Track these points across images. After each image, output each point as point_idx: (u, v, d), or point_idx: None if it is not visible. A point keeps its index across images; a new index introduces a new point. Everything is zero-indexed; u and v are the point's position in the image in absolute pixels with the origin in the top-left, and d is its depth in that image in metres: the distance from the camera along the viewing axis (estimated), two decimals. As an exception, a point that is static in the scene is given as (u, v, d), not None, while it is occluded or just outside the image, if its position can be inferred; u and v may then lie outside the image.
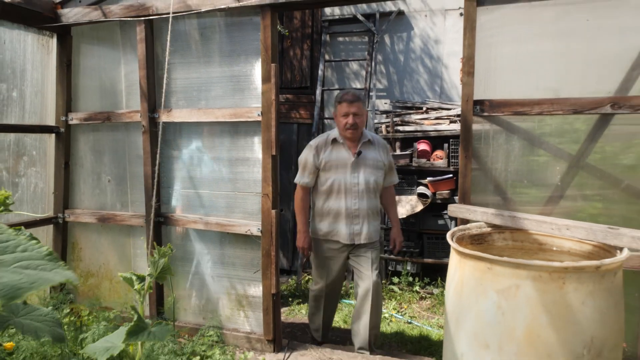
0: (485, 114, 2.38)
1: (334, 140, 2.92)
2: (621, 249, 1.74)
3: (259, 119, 2.74)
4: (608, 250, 1.83)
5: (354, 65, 5.43)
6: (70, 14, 3.06)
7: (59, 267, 0.48)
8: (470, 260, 1.78)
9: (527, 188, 2.41)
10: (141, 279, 1.05)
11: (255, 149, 2.85)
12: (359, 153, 2.88)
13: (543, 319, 1.60)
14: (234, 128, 2.89)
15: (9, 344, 1.16)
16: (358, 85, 5.33)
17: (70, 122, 3.25)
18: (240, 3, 2.66)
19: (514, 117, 2.38)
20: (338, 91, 5.47)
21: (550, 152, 2.37)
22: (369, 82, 5.02)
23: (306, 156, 2.92)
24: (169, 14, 2.73)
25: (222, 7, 2.70)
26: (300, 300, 4.29)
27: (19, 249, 0.46)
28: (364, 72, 5.22)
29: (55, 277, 0.47)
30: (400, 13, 5.17)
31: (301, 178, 2.95)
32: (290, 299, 4.33)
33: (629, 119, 2.22)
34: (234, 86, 2.87)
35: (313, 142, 2.97)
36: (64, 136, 3.25)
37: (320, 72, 5.33)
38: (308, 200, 3.02)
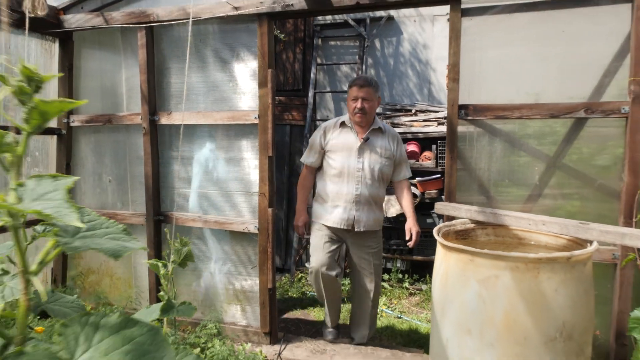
0: (470, 117, 2.54)
1: (343, 124, 2.95)
2: (591, 242, 1.91)
3: (256, 121, 2.88)
4: (580, 243, 1.99)
5: (346, 69, 5.59)
6: (73, 20, 3.17)
7: (132, 239, 0.62)
8: (454, 253, 1.93)
9: (508, 187, 2.57)
10: (165, 265, 1.17)
11: (252, 150, 2.98)
12: (367, 139, 2.88)
13: (519, 306, 1.76)
14: (231, 130, 3.03)
15: (39, 328, 1.27)
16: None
17: (72, 124, 3.36)
18: (239, 12, 2.80)
19: (496, 121, 2.54)
20: (330, 94, 5.65)
21: (530, 154, 2.53)
22: (360, 85, 5.17)
23: (314, 136, 3.00)
24: (169, 21, 2.86)
25: (221, 15, 2.84)
26: (294, 295, 4.43)
27: (104, 226, 0.60)
28: (355, 75, 5.38)
29: (134, 245, 0.61)
30: (390, 18, 5.33)
31: (307, 158, 3.02)
32: (285, 296, 4.47)
33: (602, 123, 2.39)
34: (232, 90, 3.00)
35: (324, 124, 3.06)
36: (66, 138, 3.36)
37: (312, 75, 5.48)
38: (311, 180, 3.07)
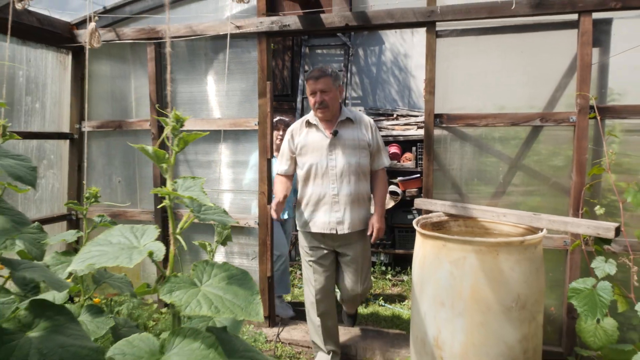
0: (444, 125, 2.93)
1: (308, 123, 2.79)
2: (541, 229, 2.31)
3: (256, 128, 3.23)
4: (533, 231, 2.40)
5: (332, 76, 5.96)
6: (86, 34, 3.47)
7: (228, 217, 0.97)
8: (430, 239, 2.32)
9: (477, 185, 2.97)
10: (209, 245, 1.46)
11: (253, 153, 3.33)
12: (335, 132, 2.71)
13: (483, 281, 2.15)
14: (234, 135, 3.37)
15: (96, 300, 1.58)
16: (335, 94, 5.85)
17: (84, 130, 3.65)
18: (240, 30, 3.14)
19: (467, 128, 2.94)
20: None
21: (495, 156, 2.94)
22: (345, 91, 5.55)
23: (283, 143, 2.88)
24: (177, 38, 3.19)
25: (224, 33, 3.18)
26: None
27: (213, 209, 0.94)
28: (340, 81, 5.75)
29: (230, 220, 0.96)
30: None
31: (279, 166, 2.89)
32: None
33: (555, 129, 2.80)
34: (233, 99, 3.35)
35: (289, 128, 2.90)
36: (78, 142, 3.66)
37: (300, 82, 5.84)
38: (286, 189, 2.90)
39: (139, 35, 3.36)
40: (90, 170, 3.72)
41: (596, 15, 2.59)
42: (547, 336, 2.83)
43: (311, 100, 2.73)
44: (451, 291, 2.22)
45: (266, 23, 3.10)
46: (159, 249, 0.78)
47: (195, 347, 0.73)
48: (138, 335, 0.78)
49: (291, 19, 3.06)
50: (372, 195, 2.94)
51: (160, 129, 3.44)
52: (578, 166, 2.65)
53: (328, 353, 2.92)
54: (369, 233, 2.82)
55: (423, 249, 2.37)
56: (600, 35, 2.65)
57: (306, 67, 5.96)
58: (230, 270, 0.86)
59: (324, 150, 2.71)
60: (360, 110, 5.82)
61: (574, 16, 2.63)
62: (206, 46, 3.37)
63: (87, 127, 3.65)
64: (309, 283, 2.87)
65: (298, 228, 2.92)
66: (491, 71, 2.89)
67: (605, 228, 2.06)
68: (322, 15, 2.98)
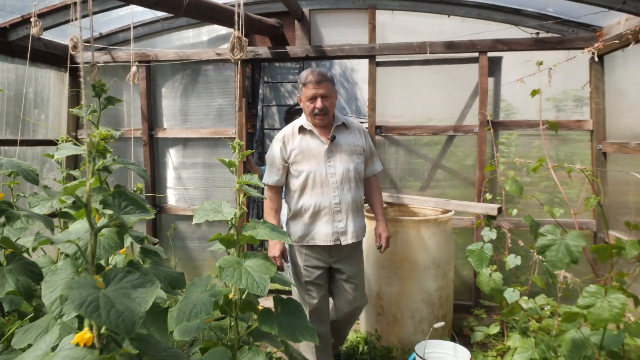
0: (383, 134, 3.79)
1: (302, 129, 2.60)
2: (450, 211, 3.22)
3: (234, 135, 3.96)
4: (446, 212, 3.30)
5: (288, 86, 6.74)
6: (84, 56, 4.06)
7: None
8: (373, 220, 3.16)
9: (408, 180, 3.86)
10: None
11: (230, 157, 4.05)
12: (333, 138, 2.57)
13: (410, 248, 3.02)
14: (214, 142, 4.08)
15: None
16: (291, 102, 6.63)
17: (80, 137, 4.23)
18: (220, 57, 3.87)
19: (400, 136, 3.81)
20: (275, 107, 6.78)
21: (422, 157, 3.83)
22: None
23: (273, 151, 2.62)
24: (166, 61, 3.86)
25: (207, 59, 3.89)
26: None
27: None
28: (296, 92, 6.54)
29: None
30: (324, 46, 6.56)
31: (270, 177, 2.64)
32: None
33: (465, 137, 3.72)
34: (214, 112, 4.06)
35: (279, 134, 2.66)
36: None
37: (260, 91, 6.57)
38: (278, 200, 2.69)
39: (131, 58, 4.00)
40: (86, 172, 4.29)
41: (490, 54, 3.54)
42: (461, 294, 3.76)
43: (309, 105, 2.52)
44: (389, 256, 3.08)
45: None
46: (231, 212, 1.53)
47: (260, 262, 1.49)
48: (228, 256, 1.53)
49: (262, 49, 3.82)
50: (366, 203, 2.90)
51: (150, 137, 4.09)
52: (479, 165, 3.59)
53: None
54: (377, 243, 2.78)
55: (368, 227, 3.21)
56: (494, 68, 3.61)
57: (265, 78, 6.71)
58: (261, 257, 1.60)
59: (322, 157, 2.55)
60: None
61: (475, 54, 3.56)
62: (191, 67, 4.06)
63: (83, 135, 4.23)
64: (303, 304, 2.46)
65: (291, 243, 2.65)
66: (418, 93, 3.78)
67: (491, 208, 2.99)
68: (288, 48, 3.77)
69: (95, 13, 3.41)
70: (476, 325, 3.27)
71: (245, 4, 3.64)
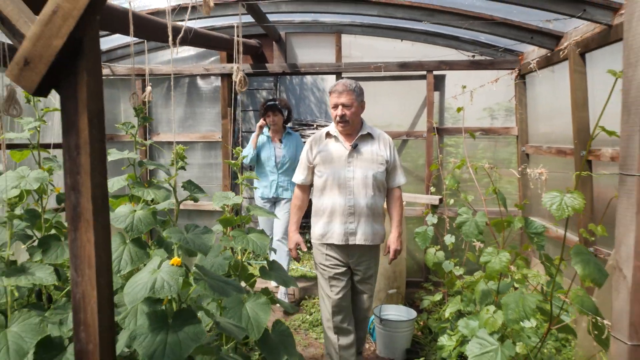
0: (348, 138, 4.48)
1: (328, 134, 2.82)
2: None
3: (220, 140, 4.58)
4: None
5: (264, 93, 7.37)
6: (85, 70, 4.59)
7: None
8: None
9: (370, 177, 4.55)
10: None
11: (216, 157, 4.67)
12: (355, 145, 2.74)
13: (370, 232, 3.73)
14: (202, 145, 4.68)
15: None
16: (267, 108, 7.28)
17: (81, 141, 4.76)
18: (209, 72, 4.48)
19: (363, 140, 4.50)
20: (252, 112, 7.38)
21: (381, 158, 4.53)
22: (276, 106, 6.99)
23: (303, 153, 2.89)
24: (160, 75, 4.45)
25: (196, 73, 4.49)
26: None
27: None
28: (270, 98, 7.18)
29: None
30: (296, 57, 7.23)
31: (297, 176, 2.92)
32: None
33: (417, 141, 4.46)
34: (202, 119, 4.66)
35: (310, 139, 2.91)
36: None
37: (238, 97, 7.18)
38: (303, 199, 2.95)
39: (129, 72, 4.57)
40: (86, 172, 4.82)
41: (436, 72, 4.28)
42: (414, 272, 4.49)
43: (333, 113, 2.75)
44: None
45: (227, 68, 4.47)
46: (236, 198, 2.17)
47: (259, 235, 2.14)
48: (237, 229, 2.17)
49: (245, 66, 4.46)
50: (388, 213, 2.99)
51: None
52: (427, 164, 4.33)
53: None
54: (384, 253, 2.90)
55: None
56: (440, 84, 4.35)
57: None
58: (257, 233, 2.26)
59: (343, 162, 2.74)
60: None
61: (424, 72, 4.29)
62: (183, 80, 4.66)
63: (83, 139, 4.76)
64: (324, 298, 2.83)
65: (313, 240, 2.87)
66: (379, 102, 4.48)
67: (434, 199, 3.72)
68: (268, 65, 4.42)
69: (101, 37, 3.98)
70: (425, 295, 4.00)
71: (230, 27, 4.27)
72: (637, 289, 1.21)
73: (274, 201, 4.35)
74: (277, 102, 4.24)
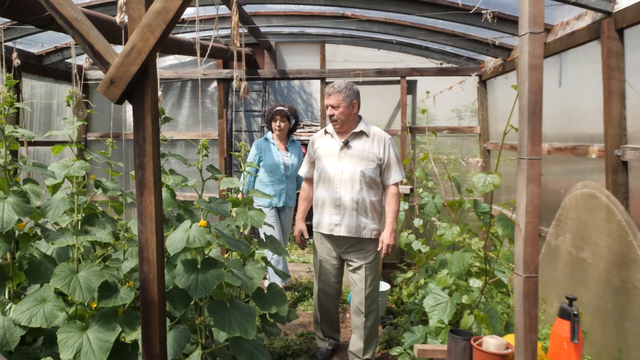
0: (332, 136, 5.02)
1: (326, 132, 3.09)
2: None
3: (217, 137, 5.08)
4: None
5: (254, 95, 7.88)
6: (94, 75, 5.07)
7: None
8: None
9: (351, 171, 5.11)
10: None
11: (213, 154, 5.18)
12: (346, 142, 2.93)
13: (350, 217, 4.28)
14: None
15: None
16: (256, 109, 7.79)
17: (89, 139, 5.23)
18: (207, 77, 5.00)
19: (345, 138, 5.05)
20: (243, 113, 7.89)
21: (361, 154, 5.09)
22: (264, 107, 7.51)
23: (307, 148, 3.17)
24: (164, 79, 4.96)
25: (196, 77, 5.00)
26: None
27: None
28: (261, 100, 7.70)
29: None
30: (284, 61, 7.75)
31: (302, 169, 3.26)
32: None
33: (393, 138, 5.00)
34: (200, 118, 5.17)
35: (313, 135, 3.23)
36: (84, 147, 5.23)
37: (230, 99, 7.68)
38: (309, 191, 3.24)
39: (134, 77, 5.05)
40: (92, 170, 5.30)
41: (409, 78, 4.85)
42: (392, 256, 5.04)
43: (327, 113, 3.01)
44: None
45: (223, 73, 4.99)
46: (239, 183, 2.69)
47: (257, 212, 2.66)
48: (239, 207, 2.70)
49: (239, 71, 4.97)
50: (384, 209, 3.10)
51: (149, 138, 5.15)
52: (401, 158, 4.89)
53: (325, 339, 3.27)
54: (378, 249, 2.99)
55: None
56: (412, 88, 4.93)
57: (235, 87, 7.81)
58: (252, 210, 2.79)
59: (334, 157, 2.96)
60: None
61: (398, 78, 4.86)
62: (183, 83, 5.15)
63: (90, 137, 5.24)
64: (316, 274, 3.16)
65: (313, 229, 3.14)
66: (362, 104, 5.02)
67: (406, 189, 4.29)
68: (260, 71, 4.96)
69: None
70: (399, 274, 4.56)
71: (226, 36, 4.79)
72: (527, 237, 1.68)
73: (279, 210, 4.38)
74: (286, 109, 4.33)
